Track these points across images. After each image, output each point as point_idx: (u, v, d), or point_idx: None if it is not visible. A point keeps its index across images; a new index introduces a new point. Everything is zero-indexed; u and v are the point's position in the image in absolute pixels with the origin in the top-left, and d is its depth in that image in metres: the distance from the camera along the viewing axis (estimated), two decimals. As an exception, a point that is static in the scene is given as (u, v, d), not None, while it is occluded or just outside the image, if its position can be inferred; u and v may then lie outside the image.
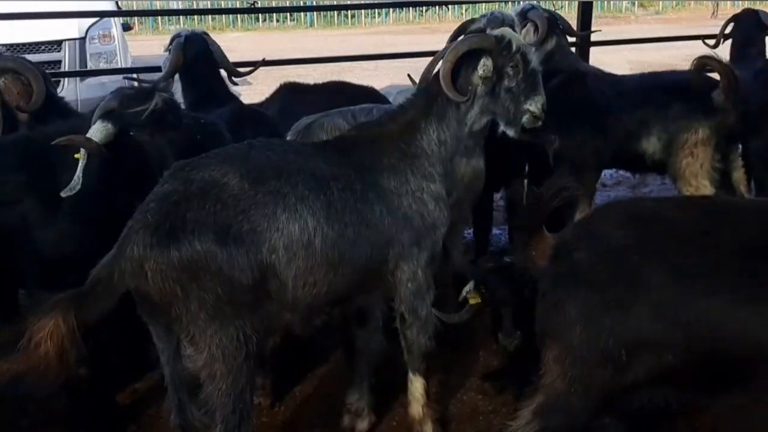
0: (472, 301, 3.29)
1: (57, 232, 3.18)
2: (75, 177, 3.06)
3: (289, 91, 5.18)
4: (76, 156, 3.07)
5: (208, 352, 2.60)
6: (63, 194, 3.06)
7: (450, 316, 3.34)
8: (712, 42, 5.70)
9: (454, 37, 4.35)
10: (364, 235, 2.94)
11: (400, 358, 3.42)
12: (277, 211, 2.70)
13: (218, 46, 4.98)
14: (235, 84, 5.17)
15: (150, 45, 13.49)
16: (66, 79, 7.02)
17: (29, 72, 4.02)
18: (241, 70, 5.21)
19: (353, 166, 3.03)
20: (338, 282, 2.90)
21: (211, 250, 2.53)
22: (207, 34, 5.05)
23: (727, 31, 5.65)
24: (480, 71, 3.20)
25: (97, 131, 3.11)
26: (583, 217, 2.81)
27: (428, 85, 3.32)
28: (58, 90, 6.89)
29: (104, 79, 7.10)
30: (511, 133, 3.38)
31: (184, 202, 2.59)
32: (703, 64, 4.48)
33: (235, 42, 11.71)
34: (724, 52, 5.26)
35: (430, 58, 3.73)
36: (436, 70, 3.38)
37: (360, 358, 3.51)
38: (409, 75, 3.65)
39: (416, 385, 3.38)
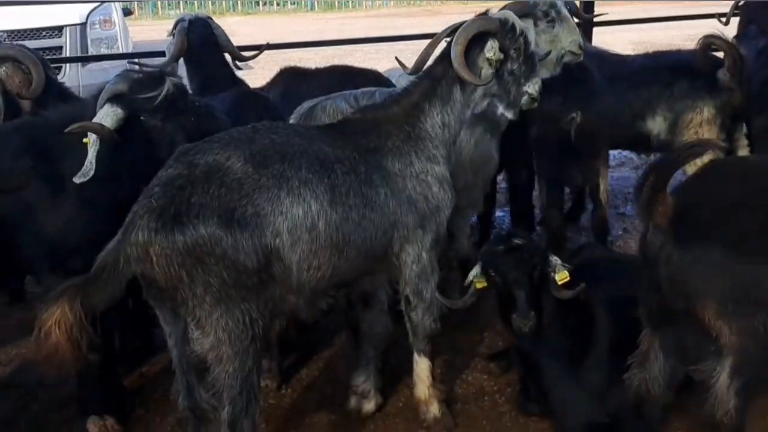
0: (478, 285, 3.28)
1: (65, 217, 3.17)
2: (87, 163, 3.04)
3: (290, 76, 5.14)
4: (84, 141, 3.05)
5: (215, 335, 2.61)
6: (76, 180, 3.04)
7: (454, 302, 3.34)
8: (724, 19, 5.65)
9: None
10: (369, 217, 2.95)
11: (406, 340, 3.44)
12: (280, 195, 2.70)
13: (222, 30, 4.95)
14: (239, 68, 5.14)
15: (150, 30, 13.48)
16: (67, 64, 7.01)
17: (29, 60, 4.02)
18: (245, 54, 5.17)
19: (357, 148, 3.03)
20: (343, 265, 2.91)
21: (215, 234, 2.54)
22: (211, 18, 5.00)
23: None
24: (488, 54, 3.19)
25: (107, 116, 3.07)
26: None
27: (431, 68, 3.30)
28: (60, 76, 6.92)
29: (106, 64, 7.09)
30: (510, 115, 3.39)
31: (188, 186, 2.59)
32: (709, 43, 4.46)
33: (235, 26, 11.66)
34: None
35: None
36: (439, 53, 3.36)
37: (366, 340, 3.52)
38: (396, 58, 3.58)
39: (422, 367, 3.41)
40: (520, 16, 3.65)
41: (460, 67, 3.17)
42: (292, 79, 5.06)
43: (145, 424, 3.55)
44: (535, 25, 4.05)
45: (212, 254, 2.54)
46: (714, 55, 4.59)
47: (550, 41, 4.17)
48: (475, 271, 3.30)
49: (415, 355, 3.41)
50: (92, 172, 3.04)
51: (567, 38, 4.21)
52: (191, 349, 2.68)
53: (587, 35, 6.41)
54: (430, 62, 3.44)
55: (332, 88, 4.13)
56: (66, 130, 3.05)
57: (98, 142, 3.05)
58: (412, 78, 3.39)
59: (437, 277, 3.29)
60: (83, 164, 3.06)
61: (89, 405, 3.41)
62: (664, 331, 2.77)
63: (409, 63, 3.53)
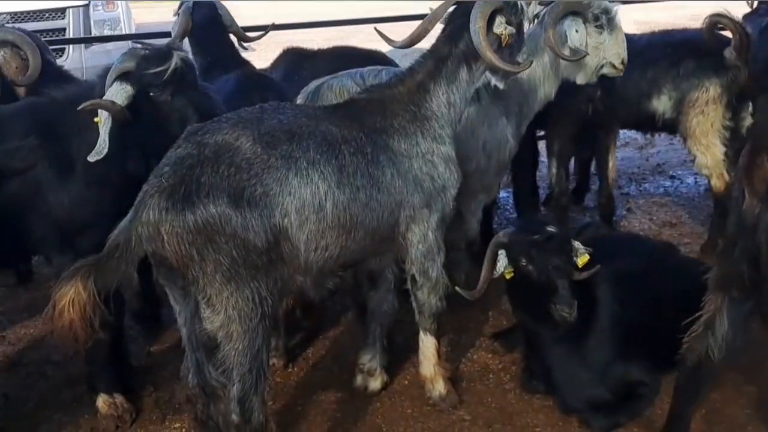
0: (508, 276, 3.27)
1: (74, 196, 3.19)
2: (100, 141, 3.04)
3: (293, 56, 5.10)
4: (95, 120, 3.05)
5: (225, 313, 2.63)
6: (90, 159, 3.05)
7: (471, 293, 3.32)
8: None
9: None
10: (376, 198, 2.96)
11: (412, 319, 3.47)
12: (289, 175, 2.71)
13: (227, 11, 4.89)
14: (246, 49, 5.10)
15: (152, 11, 13.41)
16: (71, 46, 7.00)
17: (28, 46, 3.99)
18: (250, 34, 5.10)
19: (364, 129, 3.03)
20: (350, 245, 2.92)
21: (225, 213, 2.55)
22: None
23: None
24: (498, 30, 3.17)
25: (116, 93, 3.07)
26: None
27: (436, 47, 3.28)
28: (63, 57, 6.92)
29: (109, 46, 7.07)
30: (501, 85, 3.35)
31: (198, 165, 2.60)
32: (715, 22, 4.43)
33: (237, 7, 11.57)
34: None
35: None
36: (441, 31, 3.33)
37: (372, 319, 3.55)
38: (377, 29, 3.45)
39: (427, 345, 3.43)
40: (571, 14, 3.82)
41: (487, 48, 3.12)
42: (294, 60, 5.02)
43: (154, 401, 3.60)
44: (584, 24, 3.88)
45: (222, 233, 2.55)
46: (720, 34, 4.57)
47: (594, 47, 3.91)
48: (504, 261, 3.26)
49: (421, 334, 3.43)
50: (106, 150, 3.05)
51: (611, 49, 3.94)
52: (201, 327, 2.70)
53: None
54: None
55: (335, 69, 4.10)
56: (79, 108, 3.04)
57: (110, 119, 3.05)
58: (416, 57, 3.39)
59: (443, 256, 3.30)
60: (91, 142, 3.07)
61: (99, 383, 3.44)
62: (742, 297, 2.75)
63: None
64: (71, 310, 2.44)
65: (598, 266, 3.24)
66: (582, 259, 3.23)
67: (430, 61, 3.25)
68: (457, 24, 3.22)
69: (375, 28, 3.32)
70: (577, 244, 3.26)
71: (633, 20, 11.32)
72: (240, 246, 2.58)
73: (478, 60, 3.20)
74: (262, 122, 2.81)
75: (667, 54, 4.69)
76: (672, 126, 4.77)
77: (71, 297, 2.45)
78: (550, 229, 3.23)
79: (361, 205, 2.90)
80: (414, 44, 3.46)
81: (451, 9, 3.28)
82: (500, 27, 3.18)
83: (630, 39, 5.06)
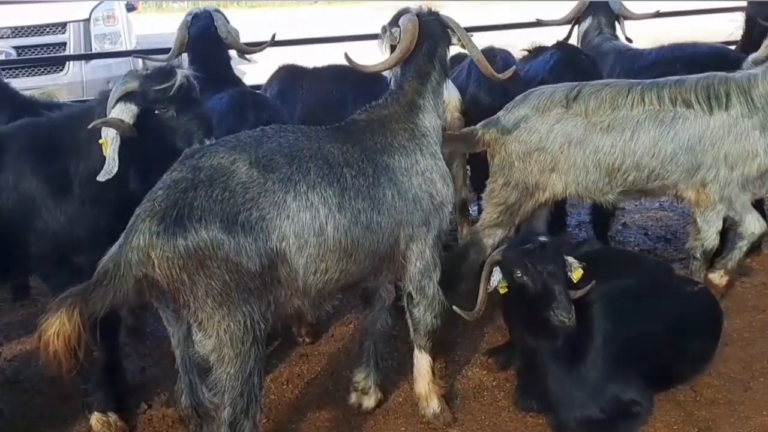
0: (502, 291, 3.29)
1: (73, 215, 3.21)
2: (109, 160, 3.06)
3: (287, 74, 5.03)
4: (100, 142, 3.06)
5: (217, 337, 2.64)
6: (100, 178, 3.06)
7: (470, 314, 3.34)
8: None
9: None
10: (377, 220, 2.96)
11: (406, 336, 3.47)
12: (287, 199, 2.71)
13: (224, 23, 4.67)
14: (249, 61, 5.03)
15: (154, 23, 13.49)
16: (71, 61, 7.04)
17: None
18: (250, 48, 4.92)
19: (365, 150, 3.04)
20: (351, 268, 2.93)
21: (218, 237, 2.56)
22: (218, 11, 4.76)
23: None
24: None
25: (122, 113, 3.09)
26: None
27: (416, 65, 3.25)
28: (63, 72, 6.97)
29: (109, 60, 7.11)
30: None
31: (191, 189, 2.61)
32: None
33: (238, 19, 11.62)
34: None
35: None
36: (416, 48, 3.27)
37: (366, 337, 3.56)
38: (346, 54, 3.41)
39: (422, 363, 3.44)
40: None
41: (486, 64, 3.31)
42: (288, 77, 4.99)
43: (148, 419, 3.60)
44: None
45: (214, 258, 2.56)
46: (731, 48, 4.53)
47: None
48: (497, 276, 3.29)
49: (416, 351, 3.44)
50: (116, 169, 3.06)
51: None
52: (194, 351, 2.72)
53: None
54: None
55: (329, 86, 4.06)
56: (89, 127, 3.06)
57: (118, 138, 3.06)
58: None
59: (439, 273, 3.32)
60: (89, 161, 3.10)
61: (93, 401, 3.45)
62: None
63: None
64: (56, 341, 2.45)
65: (594, 282, 3.24)
66: (576, 274, 3.24)
67: (415, 79, 3.25)
68: (430, 41, 3.25)
69: (345, 54, 3.35)
70: (570, 258, 3.27)
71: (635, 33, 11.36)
72: (232, 270, 2.59)
73: (447, 74, 3.33)
74: (261, 145, 2.82)
75: (677, 68, 4.70)
76: None
77: (56, 329, 2.45)
78: (542, 238, 3.24)
79: (363, 228, 2.91)
80: (391, 68, 3.45)
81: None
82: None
83: (641, 53, 5.11)
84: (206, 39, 4.65)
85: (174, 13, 5.26)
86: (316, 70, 4.98)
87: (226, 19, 4.74)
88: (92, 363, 3.06)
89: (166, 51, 5.04)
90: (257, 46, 5.01)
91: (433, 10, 3.32)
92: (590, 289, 3.26)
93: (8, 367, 4.11)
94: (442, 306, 3.35)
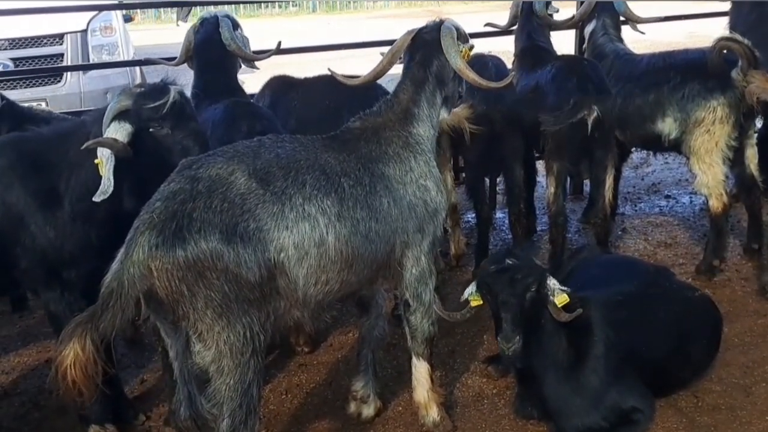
0: (473, 303, 3.30)
1: (63, 231, 3.19)
2: (105, 180, 3.04)
3: (279, 85, 4.97)
4: (96, 161, 3.05)
5: (216, 348, 2.63)
6: (96, 199, 3.04)
7: (452, 314, 3.35)
8: None
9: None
10: (374, 229, 2.96)
11: (405, 344, 3.46)
12: (285, 210, 2.71)
13: (230, 29, 4.47)
14: (257, 68, 4.94)
15: (151, 34, 13.51)
16: (68, 72, 7.03)
17: None
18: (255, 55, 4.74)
19: (361, 159, 3.05)
20: (350, 278, 2.93)
21: (217, 248, 2.55)
22: (227, 17, 4.57)
23: None
24: (461, 48, 3.28)
25: (116, 132, 3.07)
26: None
27: (412, 74, 3.31)
28: (61, 83, 6.96)
29: (107, 71, 7.10)
30: (447, 114, 3.47)
31: (190, 200, 2.60)
32: (724, 46, 4.44)
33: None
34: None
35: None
36: (410, 59, 3.34)
37: (364, 345, 3.55)
38: (329, 69, 3.48)
39: (421, 370, 3.43)
40: None
41: (470, 73, 3.27)
42: (280, 88, 4.94)
43: (146, 431, 3.58)
44: None
45: (213, 269, 2.55)
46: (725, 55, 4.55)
47: None
48: (471, 288, 3.31)
49: (414, 359, 3.43)
50: (111, 189, 3.04)
51: None
52: (193, 362, 2.70)
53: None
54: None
55: (320, 97, 4.01)
56: (82, 147, 3.05)
57: (113, 158, 3.05)
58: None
59: (435, 279, 3.32)
60: (80, 178, 3.10)
61: (91, 413, 3.43)
62: None
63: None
64: (74, 372, 2.43)
65: (580, 311, 3.21)
66: (560, 299, 3.19)
67: (410, 87, 3.29)
68: (425, 51, 3.30)
69: (328, 68, 3.36)
70: (553, 282, 3.22)
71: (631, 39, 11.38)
72: (232, 281, 2.58)
73: (446, 85, 3.32)
74: (259, 156, 2.81)
75: (670, 76, 4.71)
76: (679, 145, 4.78)
77: (71, 360, 2.43)
78: (510, 261, 3.20)
79: (362, 237, 2.91)
80: (376, 80, 3.48)
81: (409, 41, 3.35)
82: (461, 46, 3.30)
83: (631, 60, 5.12)
84: (210, 46, 4.54)
85: (172, 24, 5.24)
86: (307, 80, 4.93)
87: (235, 26, 4.58)
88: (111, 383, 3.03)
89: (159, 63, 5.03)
90: (261, 54, 4.87)
91: (440, 19, 3.36)
92: (577, 315, 3.21)
93: (6, 379, 4.09)
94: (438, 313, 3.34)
